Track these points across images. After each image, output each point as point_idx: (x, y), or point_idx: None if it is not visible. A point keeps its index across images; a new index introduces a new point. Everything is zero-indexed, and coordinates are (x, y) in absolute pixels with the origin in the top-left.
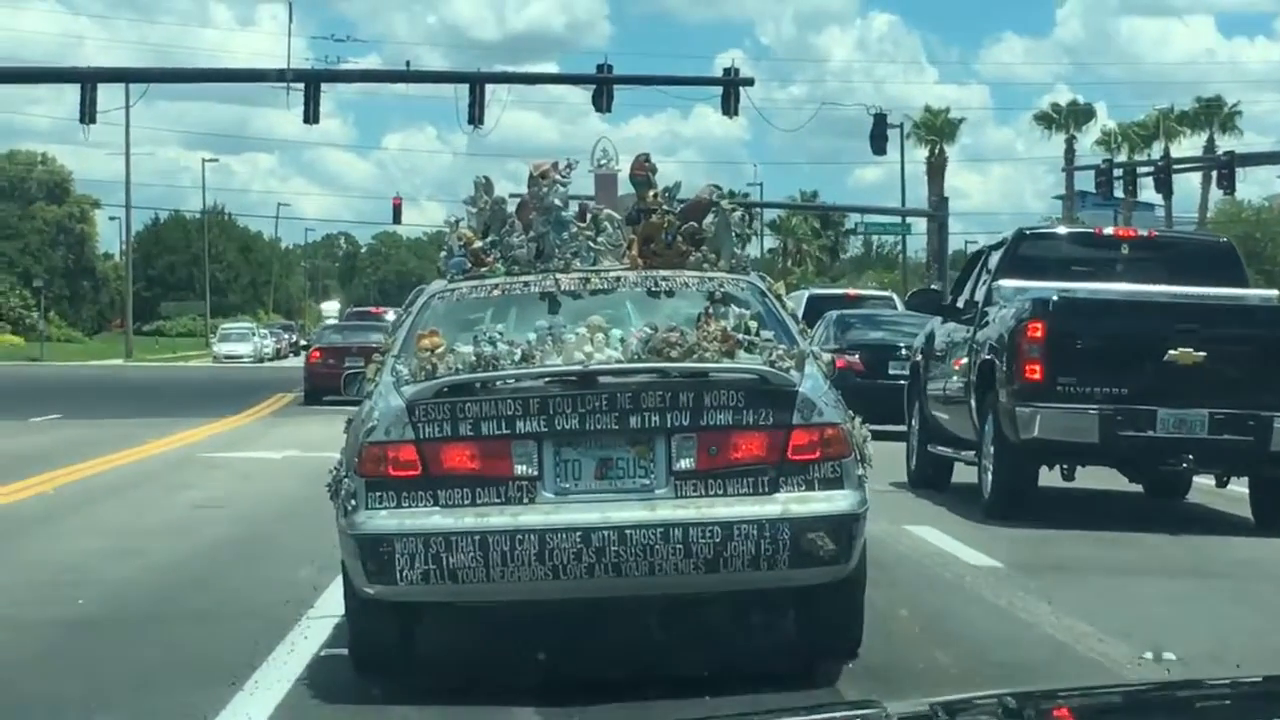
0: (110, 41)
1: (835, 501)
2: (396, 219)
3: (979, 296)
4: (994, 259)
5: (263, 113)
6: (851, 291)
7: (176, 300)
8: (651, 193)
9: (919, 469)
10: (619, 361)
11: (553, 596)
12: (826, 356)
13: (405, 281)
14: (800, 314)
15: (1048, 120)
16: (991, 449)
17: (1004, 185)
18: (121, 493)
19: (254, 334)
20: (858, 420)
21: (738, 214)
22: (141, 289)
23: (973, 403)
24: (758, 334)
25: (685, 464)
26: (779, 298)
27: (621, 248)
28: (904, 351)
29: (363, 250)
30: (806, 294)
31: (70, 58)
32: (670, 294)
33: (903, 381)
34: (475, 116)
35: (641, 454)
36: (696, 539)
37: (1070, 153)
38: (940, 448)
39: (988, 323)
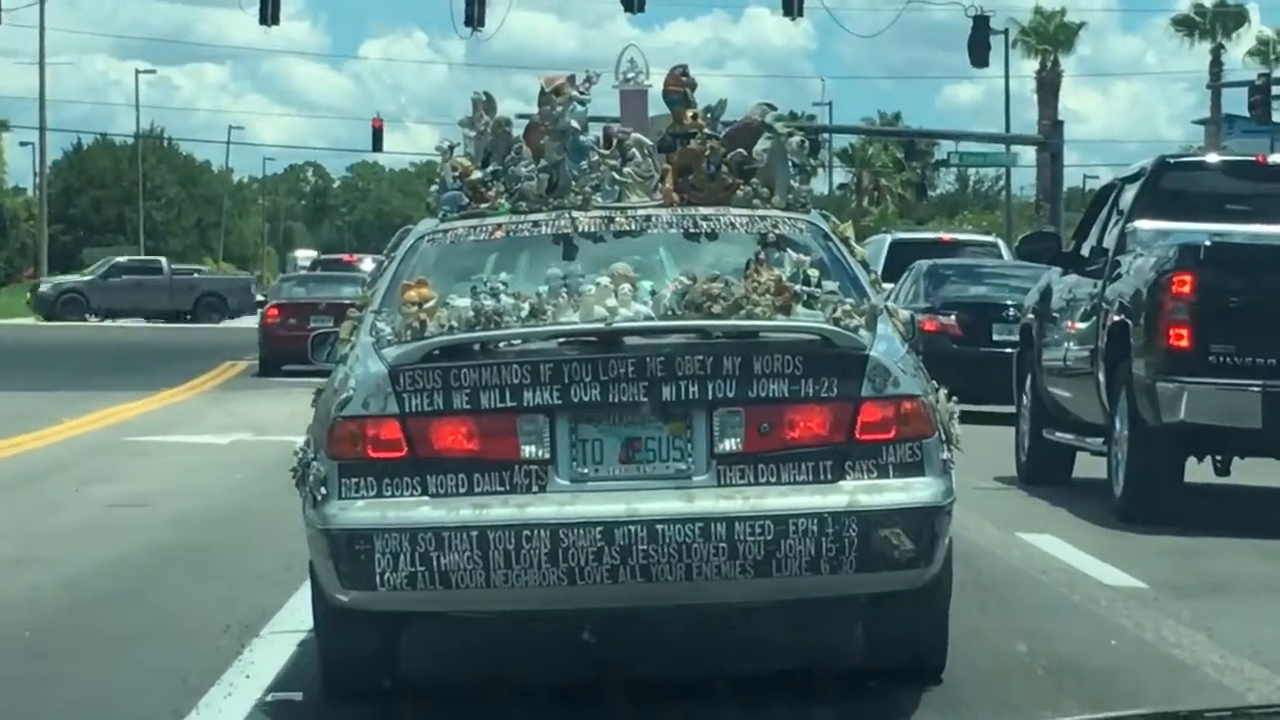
0: None
1: (914, 491)
2: (376, 145)
3: (1109, 242)
4: (1128, 195)
5: (210, 13)
6: (946, 236)
7: (103, 245)
8: (690, 113)
9: (1032, 460)
10: (649, 318)
11: (568, 606)
12: (904, 314)
13: (388, 223)
14: (882, 264)
15: (1189, 25)
16: (1125, 435)
17: (1131, 107)
18: (24, 487)
19: None
20: (943, 392)
21: (796, 139)
22: (60, 231)
23: (1101, 377)
24: (819, 285)
25: (730, 445)
26: (846, 241)
27: (653, 179)
28: (1013, 312)
29: (335, 185)
30: (889, 239)
31: None
32: (713, 236)
33: (1011, 350)
34: (474, 15)
35: (676, 432)
36: (744, 536)
37: (1217, 66)
38: (1059, 434)
39: (1120, 275)
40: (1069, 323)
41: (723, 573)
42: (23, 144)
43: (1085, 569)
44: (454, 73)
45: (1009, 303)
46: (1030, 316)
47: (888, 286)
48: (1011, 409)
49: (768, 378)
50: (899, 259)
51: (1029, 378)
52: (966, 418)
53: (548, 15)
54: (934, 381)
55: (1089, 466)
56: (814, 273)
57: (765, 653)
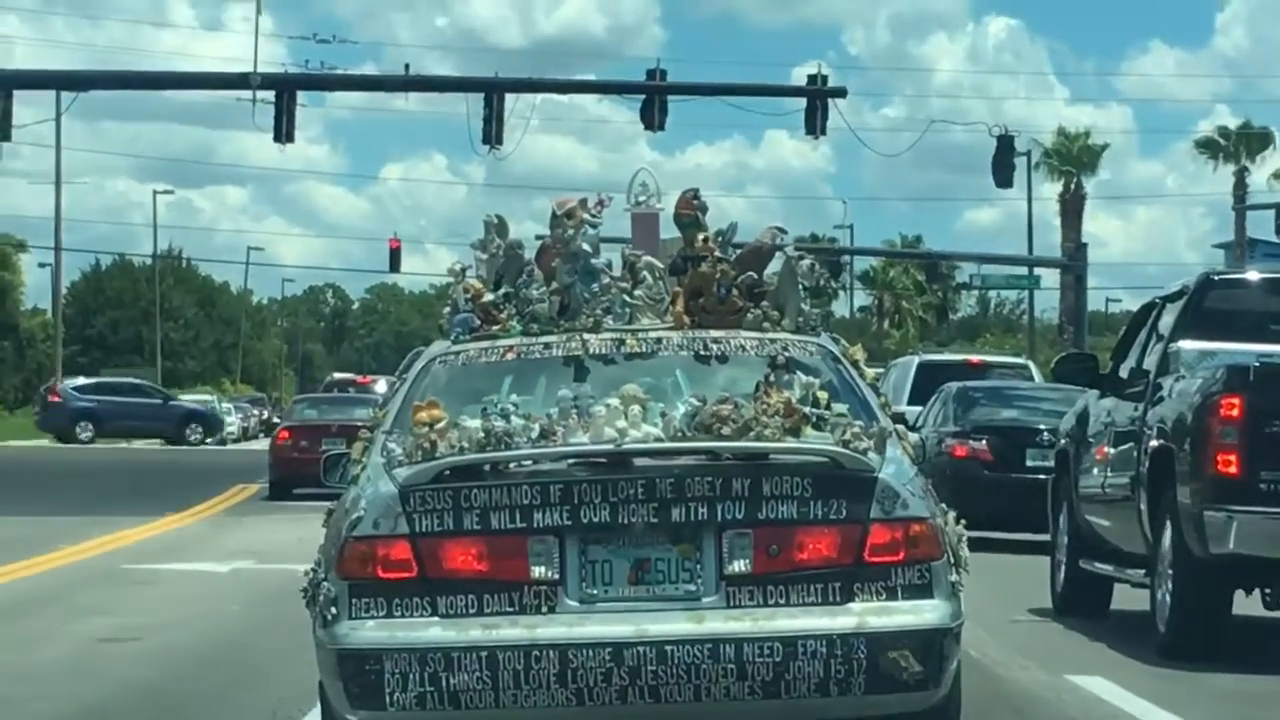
0: (46, 43)
1: (923, 613)
2: (394, 266)
3: (1150, 363)
4: (1169, 315)
5: (232, 137)
6: (975, 358)
7: (121, 366)
8: (701, 236)
9: (1068, 591)
10: (659, 440)
11: None
12: (913, 437)
13: (406, 345)
14: (909, 385)
15: (1212, 148)
16: (1169, 567)
17: (1149, 231)
18: (7, 619)
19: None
20: (951, 515)
21: (806, 262)
22: (77, 352)
23: (1143, 505)
24: (828, 408)
25: (739, 566)
26: (856, 364)
27: (664, 302)
28: (1046, 436)
29: (355, 306)
30: (916, 360)
31: None
32: (723, 359)
33: (1045, 476)
34: (492, 135)
35: (686, 553)
36: (753, 658)
37: (1241, 189)
38: (1097, 564)
39: (1163, 398)
40: (1108, 448)
41: (731, 694)
42: (41, 265)
43: (1143, 716)
44: (473, 195)
45: (1042, 427)
46: (1065, 441)
47: (915, 410)
48: (1046, 538)
49: (777, 499)
50: (927, 380)
51: (1065, 505)
52: (999, 546)
53: (568, 138)
54: (943, 504)
55: (1127, 598)
56: (823, 395)
57: None
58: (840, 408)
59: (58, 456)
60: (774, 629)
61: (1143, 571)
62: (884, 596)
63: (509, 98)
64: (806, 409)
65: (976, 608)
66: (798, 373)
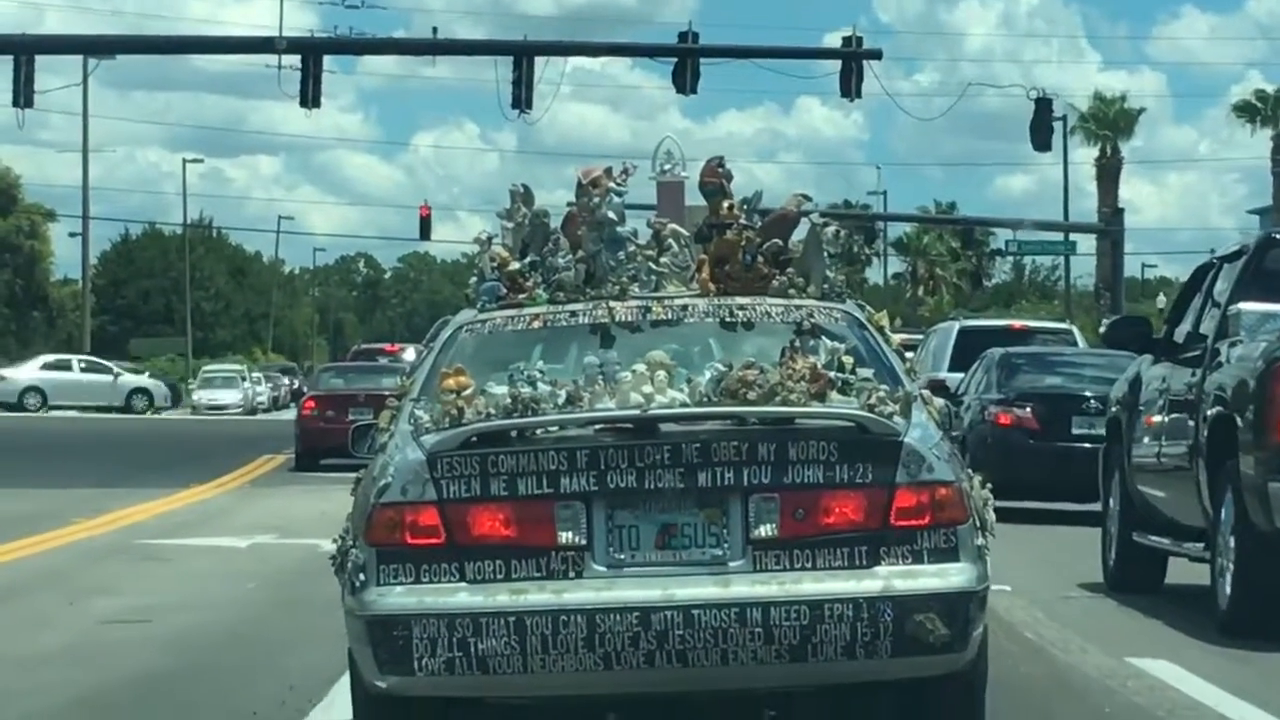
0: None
1: (948, 577)
2: (424, 233)
3: (1207, 327)
4: (1228, 276)
5: (263, 106)
6: (1017, 324)
7: (151, 336)
8: (726, 204)
9: (1121, 565)
10: (685, 405)
11: (604, 691)
12: (939, 402)
13: (438, 313)
14: (950, 352)
15: (1250, 111)
16: (1231, 541)
17: (1182, 197)
18: (13, 599)
19: (244, 378)
20: (977, 479)
21: (831, 229)
22: (107, 322)
23: (1201, 476)
24: (854, 372)
25: (766, 530)
26: (881, 330)
27: (689, 270)
28: (1093, 403)
29: (387, 275)
30: (957, 326)
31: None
32: (748, 325)
33: (1092, 444)
34: (521, 99)
35: (712, 518)
36: (779, 621)
37: (1278, 152)
38: (1151, 537)
39: (1222, 363)
40: (1163, 416)
41: (758, 658)
42: (72, 234)
43: (1216, 705)
44: (505, 163)
45: (1088, 394)
46: (1117, 409)
47: (956, 376)
48: (1093, 508)
49: (803, 464)
50: (968, 347)
51: (1116, 475)
52: (1045, 517)
53: (599, 106)
54: (969, 468)
55: (1182, 572)
56: (849, 360)
57: None
58: (865, 373)
59: (84, 427)
60: (800, 592)
61: (1201, 545)
62: (910, 560)
63: (539, 63)
64: (832, 374)
65: (1027, 583)
66: (823, 338)
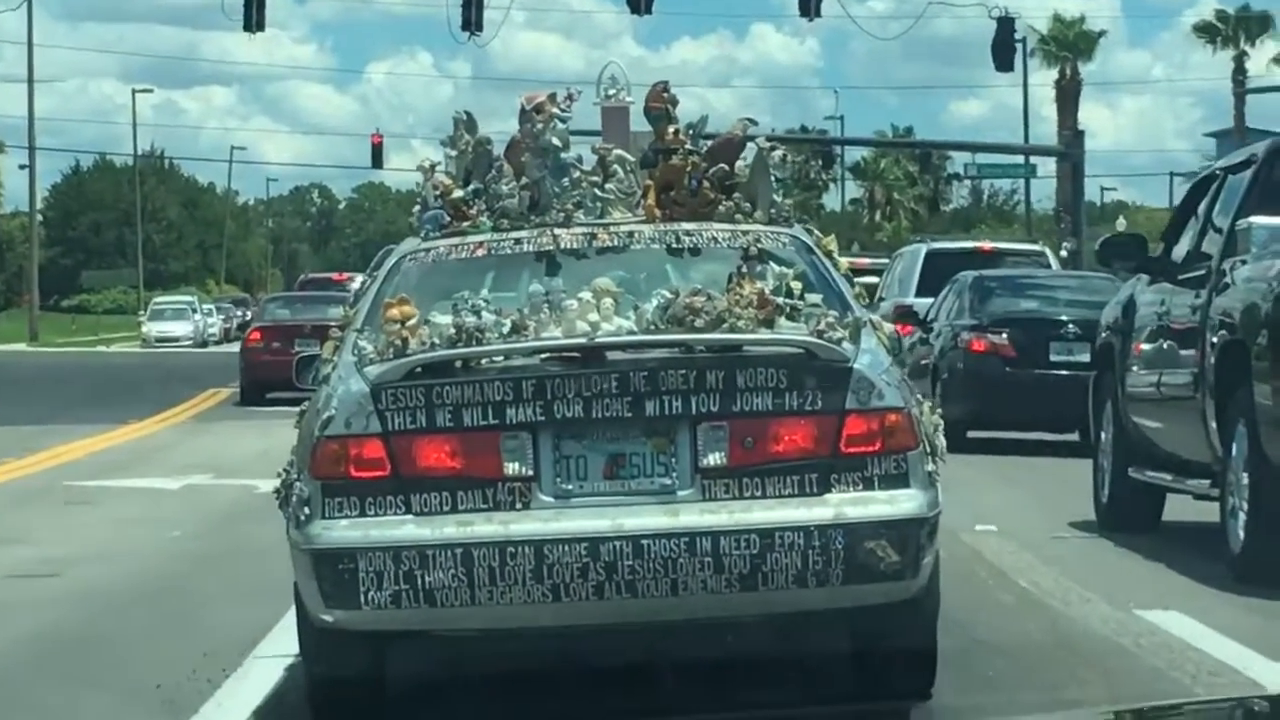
0: None
1: (899, 503)
2: (377, 162)
3: (1211, 244)
4: (1234, 188)
5: (216, 37)
6: (987, 245)
7: (103, 268)
8: (672, 129)
9: (1114, 503)
10: (632, 333)
11: (553, 623)
12: (888, 327)
13: (394, 243)
14: (917, 275)
15: (1210, 32)
16: (1244, 477)
17: (1137, 121)
18: None
19: (194, 310)
20: (926, 404)
21: (778, 153)
22: (59, 254)
23: (1208, 406)
24: (802, 298)
25: (714, 459)
26: (830, 255)
27: (635, 196)
28: (1071, 328)
29: (341, 206)
30: (924, 249)
31: None
32: (695, 251)
33: (1070, 371)
34: (471, 20)
35: (660, 447)
36: (729, 550)
37: (1241, 72)
38: (1149, 473)
39: (1229, 284)
40: (1162, 342)
41: (709, 587)
42: (22, 166)
43: (1245, 668)
44: (460, 92)
45: (1065, 318)
46: (1108, 334)
47: (923, 302)
48: (1073, 438)
49: (751, 391)
50: (935, 270)
51: (1108, 406)
52: (1025, 448)
53: (553, 34)
54: (919, 393)
55: (1180, 509)
56: (797, 286)
57: (752, 670)
58: (814, 298)
59: (29, 360)
60: (750, 521)
61: (1208, 482)
62: (860, 487)
63: None
64: (780, 300)
65: (1014, 523)
66: (771, 263)
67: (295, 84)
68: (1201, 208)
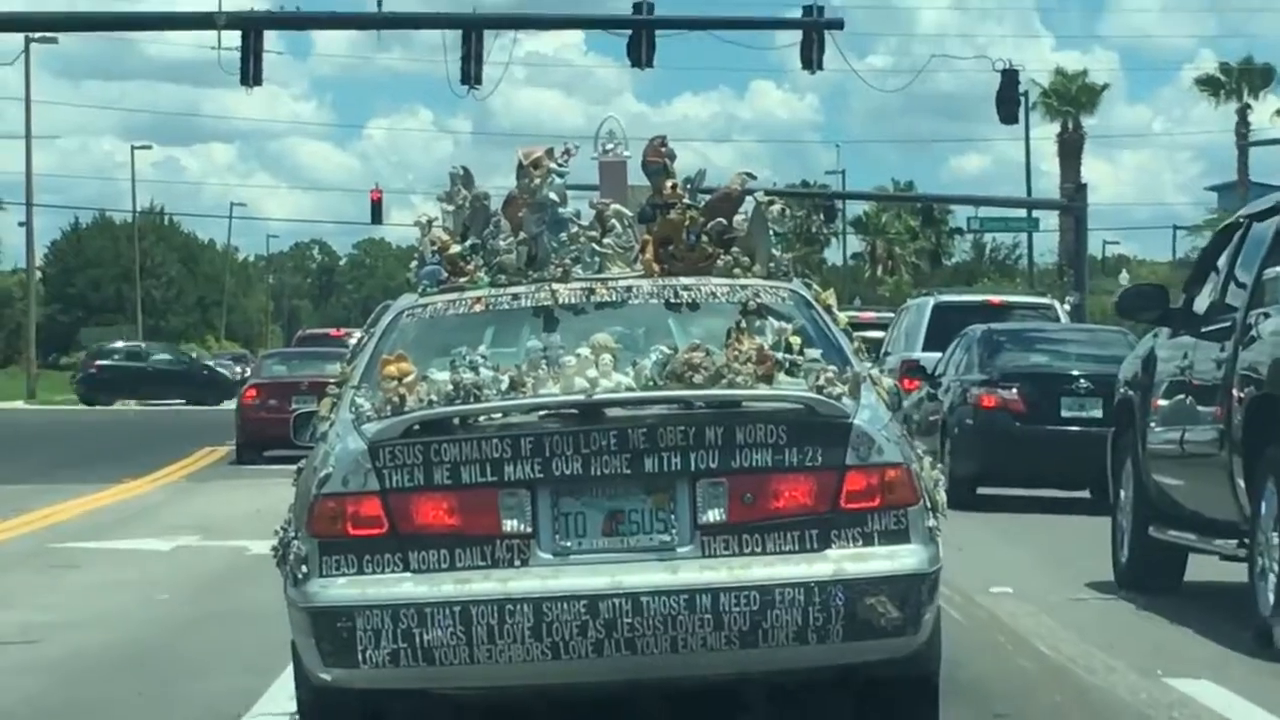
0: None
1: (899, 559)
2: (376, 217)
3: (1235, 296)
4: (1260, 237)
5: (216, 94)
6: (995, 298)
7: (102, 325)
8: (670, 183)
9: (1134, 562)
10: (631, 389)
11: (552, 681)
12: (888, 381)
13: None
14: (924, 329)
15: (1214, 85)
16: (1274, 537)
17: (1136, 176)
18: None
19: None
20: (927, 460)
21: (776, 207)
22: (57, 311)
23: (1234, 463)
24: (802, 353)
25: (714, 515)
26: (829, 309)
27: (633, 250)
28: (1083, 383)
29: (342, 262)
30: (932, 301)
31: None
32: (694, 306)
33: (1082, 427)
34: (470, 74)
35: (660, 504)
36: (729, 607)
37: (1244, 125)
38: (1172, 532)
39: (1256, 337)
40: (1185, 397)
41: (709, 644)
42: (20, 224)
43: None
44: (460, 148)
45: (1076, 372)
46: (1127, 389)
47: (931, 356)
48: (1084, 495)
49: (751, 447)
50: (944, 324)
51: (1128, 462)
52: (1037, 505)
53: (553, 91)
54: (919, 447)
55: (1201, 569)
56: (796, 341)
57: None
58: (814, 353)
59: (25, 418)
60: (750, 578)
61: (1234, 542)
62: (860, 543)
63: (489, 39)
64: (779, 355)
65: (1030, 584)
66: (770, 318)
67: (296, 141)
68: (1224, 257)
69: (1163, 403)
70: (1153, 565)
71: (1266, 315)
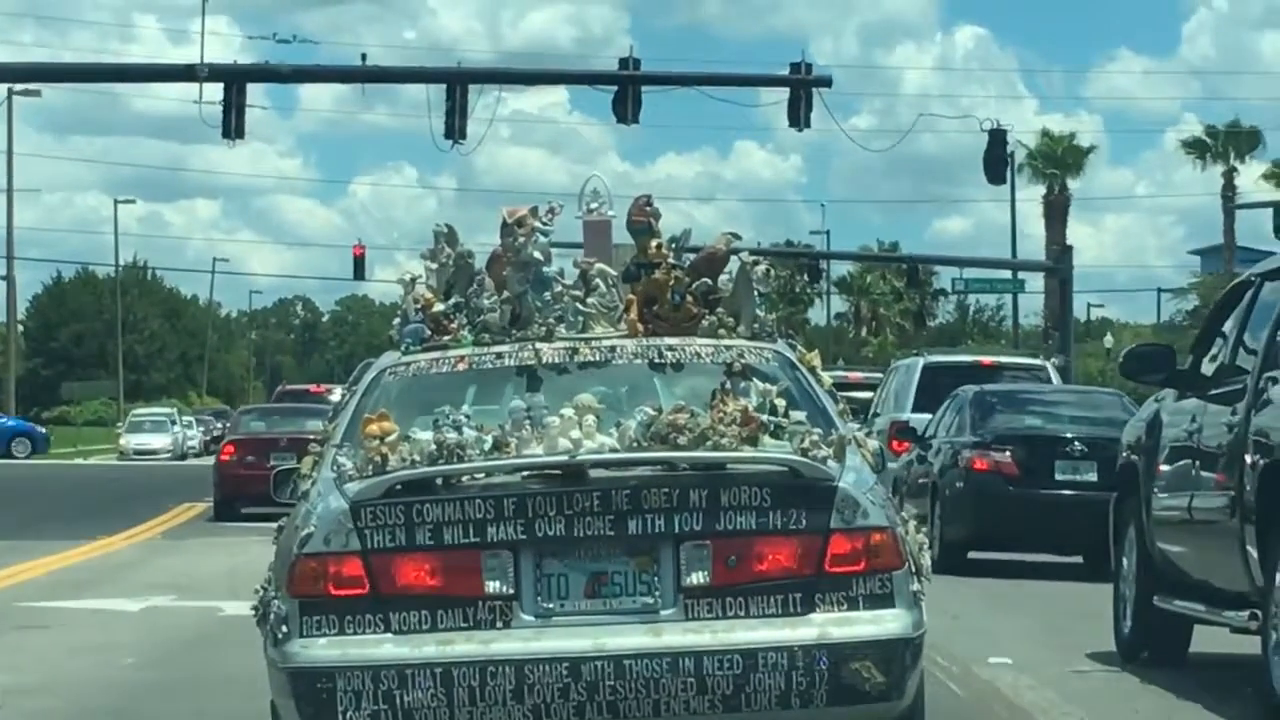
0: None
1: (884, 624)
2: (359, 273)
3: (1247, 359)
4: (1271, 296)
5: (201, 150)
6: (986, 359)
7: (84, 379)
8: (654, 242)
9: (1138, 633)
10: (614, 450)
11: None
12: (873, 444)
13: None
14: (914, 390)
15: (1200, 148)
16: None
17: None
18: None
19: (173, 422)
20: (912, 524)
21: (761, 267)
22: (39, 365)
23: (1246, 532)
24: (786, 415)
25: (698, 578)
26: (813, 370)
27: (617, 310)
28: (1077, 445)
29: (325, 318)
30: (921, 362)
31: None
32: (678, 366)
33: (1076, 491)
34: (455, 129)
35: (643, 566)
36: (713, 671)
37: (1230, 188)
38: (1178, 602)
39: (1270, 401)
40: (1193, 462)
41: (691, 708)
42: (2, 277)
43: None
44: (444, 206)
45: (1070, 435)
46: (1128, 453)
47: (921, 417)
48: (1077, 560)
49: (735, 510)
50: (933, 384)
51: (1131, 529)
52: (1030, 571)
53: (538, 150)
54: (904, 511)
55: (1206, 640)
56: (781, 402)
57: None
58: (798, 415)
59: (3, 473)
60: (733, 641)
61: (1246, 613)
62: (845, 607)
63: (473, 92)
64: (764, 417)
65: (1029, 655)
66: (754, 380)
67: (280, 197)
68: (1234, 318)
69: (1169, 468)
70: (1157, 636)
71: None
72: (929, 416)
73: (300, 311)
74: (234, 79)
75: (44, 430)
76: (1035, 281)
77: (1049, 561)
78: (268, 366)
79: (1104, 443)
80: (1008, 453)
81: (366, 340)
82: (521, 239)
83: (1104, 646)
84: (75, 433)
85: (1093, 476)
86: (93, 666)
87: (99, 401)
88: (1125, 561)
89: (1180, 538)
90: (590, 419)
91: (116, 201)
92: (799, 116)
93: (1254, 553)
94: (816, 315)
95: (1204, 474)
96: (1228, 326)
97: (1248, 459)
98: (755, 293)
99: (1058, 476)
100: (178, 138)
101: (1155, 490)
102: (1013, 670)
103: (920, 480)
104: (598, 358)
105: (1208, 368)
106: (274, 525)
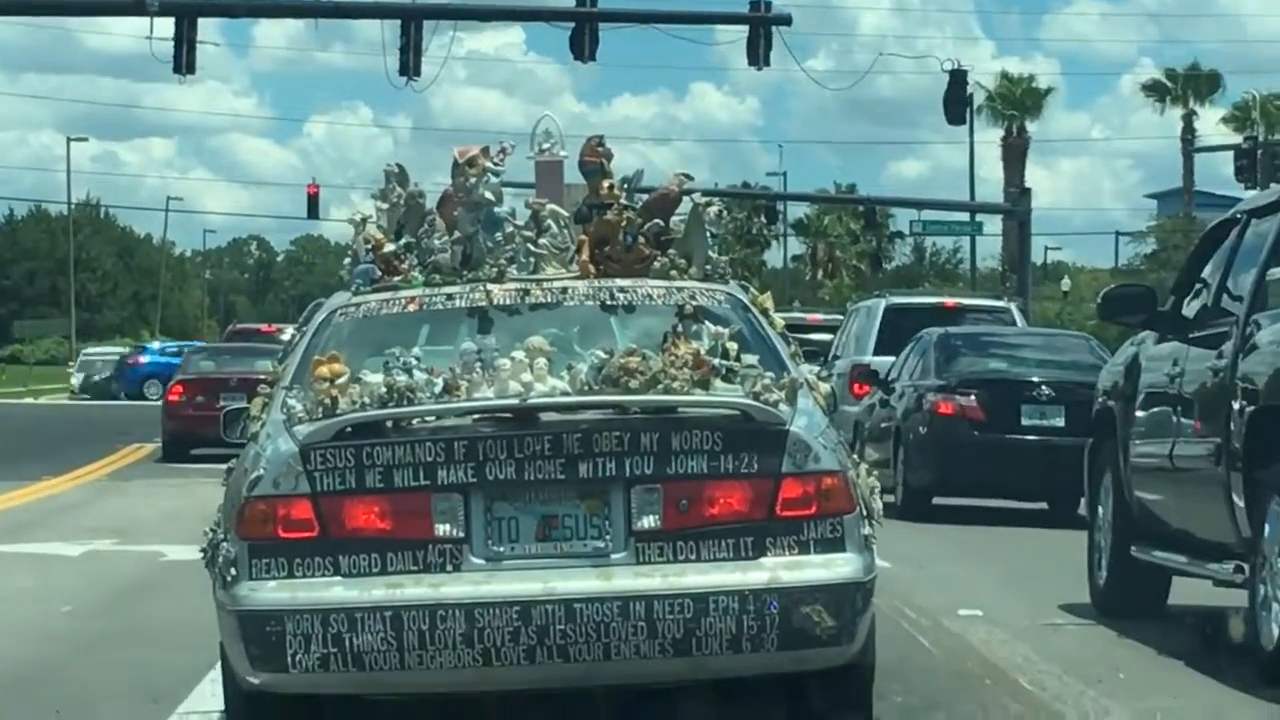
0: None
1: (835, 567)
2: (312, 212)
3: (1232, 301)
4: (1261, 234)
5: (156, 90)
6: (950, 300)
7: (37, 318)
8: (606, 183)
9: (1114, 584)
10: (565, 394)
11: (484, 687)
12: (825, 387)
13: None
14: (875, 332)
15: (1159, 91)
16: (1277, 562)
17: (1075, 183)
18: None
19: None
20: (864, 467)
21: (714, 209)
22: None
23: (1233, 480)
24: (738, 358)
25: (648, 522)
26: (766, 313)
27: (569, 251)
28: (1043, 390)
29: (279, 258)
30: (883, 304)
31: None
32: (629, 308)
33: (1041, 436)
34: (409, 65)
35: (594, 510)
36: (663, 615)
37: (1190, 131)
38: (1158, 553)
39: (1258, 345)
40: (1175, 407)
41: (642, 652)
42: None
43: None
44: (400, 146)
45: (1037, 379)
46: (1107, 398)
47: (883, 360)
48: (1042, 505)
49: (686, 454)
50: (895, 327)
51: (1108, 478)
52: (995, 517)
53: (494, 90)
54: (855, 455)
55: (1183, 591)
56: (733, 346)
57: None
58: (750, 358)
59: None
60: (684, 585)
61: (1231, 565)
62: (796, 551)
63: (428, 28)
64: (715, 360)
65: (1001, 607)
66: (706, 323)
67: (235, 136)
68: (1218, 256)
69: (1148, 413)
70: (1135, 588)
71: (1272, 320)
72: (891, 359)
73: (255, 251)
74: (185, 12)
75: None
76: (993, 224)
77: (1014, 508)
78: (222, 306)
79: (1071, 387)
80: (973, 397)
81: (321, 280)
82: (473, 179)
83: (1076, 597)
84: (27, 371)
85: (1060, 422)
86: (28, 615)
87: (52, 340)
88: (1100, 510)
89: (1160, 486)
90: (541, 361)
91: (70, 139)
92: (758, 55)
93: (1240, 502)
94: (773, 257)
95: (1186, 420)
96: (1211, 266)
97: (1234, 405)
98: (708, 234)
99: (1024, 421)
100: (132, 76)
101: (1133, 437)
102: (984, 623)
103: (883, 425)
104: (549, 299)
105: (1189, 309)
106: (223, 467)
